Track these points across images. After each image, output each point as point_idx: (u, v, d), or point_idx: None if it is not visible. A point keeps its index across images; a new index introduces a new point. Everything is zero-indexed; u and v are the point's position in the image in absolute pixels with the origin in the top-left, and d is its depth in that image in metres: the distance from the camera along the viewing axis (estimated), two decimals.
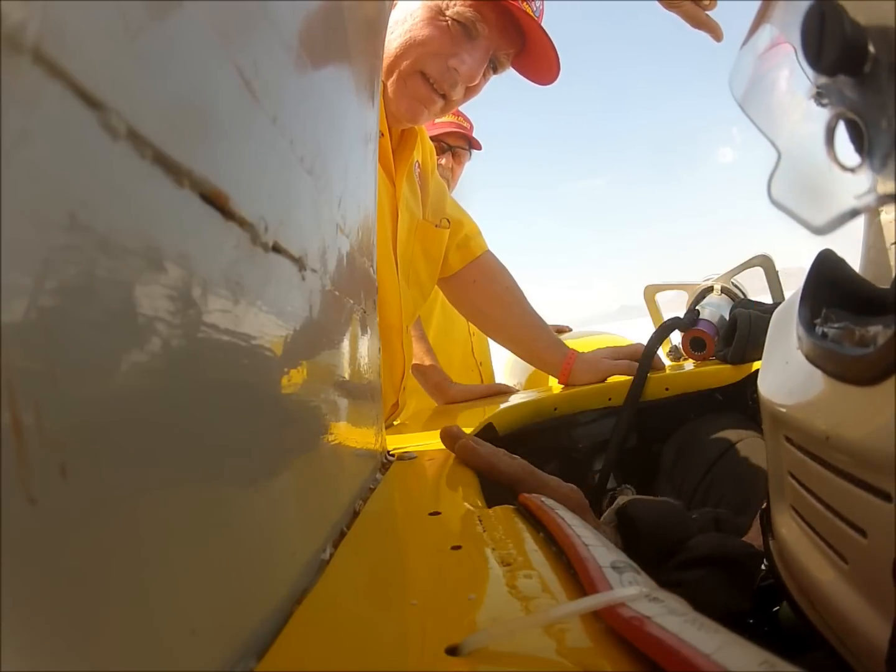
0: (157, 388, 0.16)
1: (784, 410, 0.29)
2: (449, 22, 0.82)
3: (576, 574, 0.25)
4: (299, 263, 0.29)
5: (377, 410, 0.54)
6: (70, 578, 0.13)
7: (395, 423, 0.99)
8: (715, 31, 0.80)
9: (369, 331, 0.52)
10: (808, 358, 0.27)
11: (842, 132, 0.23)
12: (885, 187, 0.21)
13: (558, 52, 0.87)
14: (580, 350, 1.04)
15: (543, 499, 0.37)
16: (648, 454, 0.91)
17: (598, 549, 0.26)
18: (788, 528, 0.30)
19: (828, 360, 0.25)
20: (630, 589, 0.22)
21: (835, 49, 0.21)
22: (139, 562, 0.15)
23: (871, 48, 0.21)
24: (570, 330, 1.90)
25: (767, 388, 0.32)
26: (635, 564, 0.25)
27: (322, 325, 0.35)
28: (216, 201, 0.19)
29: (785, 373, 0.29)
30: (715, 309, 1.03)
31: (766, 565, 0.35)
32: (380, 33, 0.61)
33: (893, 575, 0.21)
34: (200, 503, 0.19)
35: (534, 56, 0.89)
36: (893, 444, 0.20)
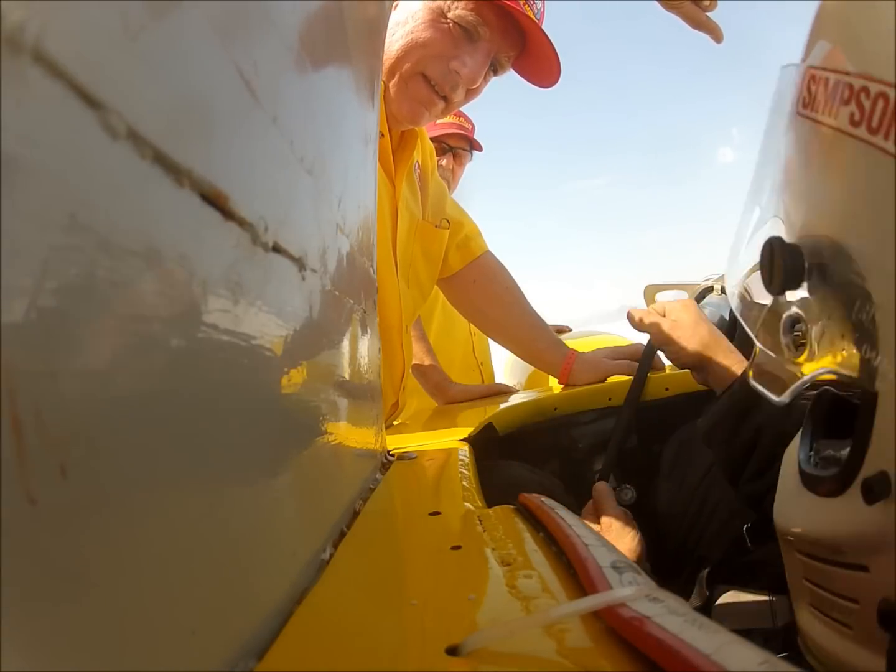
0: (157, 388, 0.16)
1: (795, 532, 0.36)
2: (450, 24, 0.82)
3: (576, 574, 0.25)
4: (299, 263, 0.29)
5: (377, 410, 0.54)
6: (70, 578, 0.13)
7: (394, 423, 0.99)
8: (715, 32, 0.80)
9: (369, 331, 0.52)
10: (805, 485, 0.34)
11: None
12: (823, 373, 0.29)
13: (559, 55, 0.87)
14: (580, 350, 1.04)
15: (543, 499, 0.37)
16: (648, 454, 0.91)
17: (598, 549, 0.26)
18: (809, 622, 0.35)
19: (815, 483, 0.33)
20: (630, 589, 0.22)
21: (779, 278, 0.29)
22: (139, 562, 0.15)
23: (806, 263, 0.28)
24: (570, 330, 1.90)
25: (779, 516, 0.38)
26: (635, 565, 0.25)
27: (322, 325, 0.35)
28: (216, 201, 0.19)
29: (792, 502, 0.36)
30: (715, 309, 1.03)
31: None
32: (380, 33, 0.61)
33: (880, 622, 0.27)
34: (200, 503, 0.19)
35: (535, 58, 0.89)
36: (856, 531, 0.29)
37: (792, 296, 0.30)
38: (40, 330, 0.12)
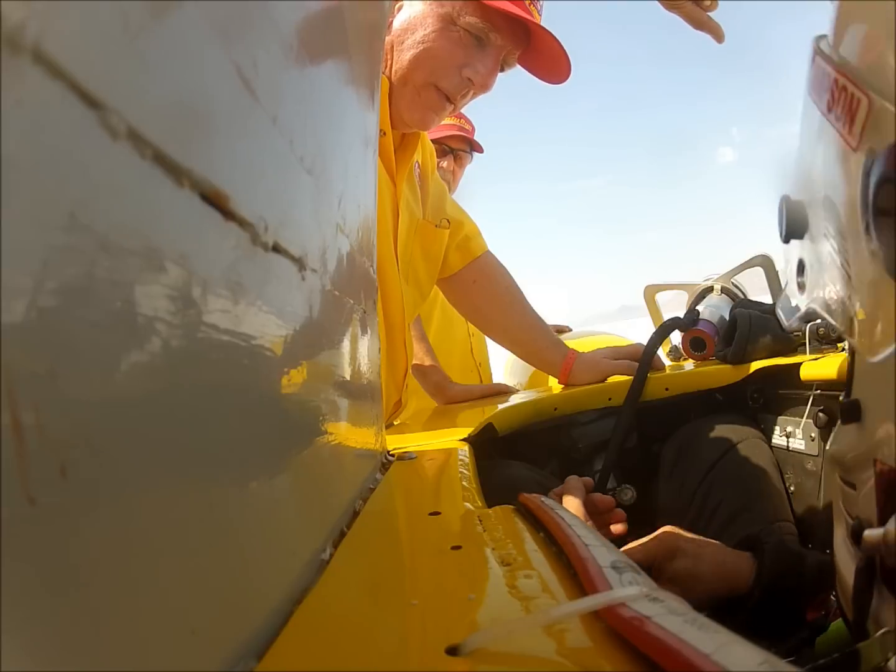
0: (157, 388, 0.16)
1: (831, 454, 0.39)
2: (461, 32, 0.83)
3: (576, 574, 0.25)
4: (299, 263, 0.29)
5: (377, 410, 0.54)
6: (70, 578, 0.13)
7: (395, 422, 0.99)
8: (716, 32, 0.80)
9: (369, 331, 0.52)
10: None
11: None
12: (812, 304, 0.34)
13: (567, 52, 0.88)
14: (580, 350, 1.04)
15: (543, 499, 0.37)
16: (648, 454, 0.91)
17: (598, 549, 0.26)
18: (841, 553, 0.36)
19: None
20: (630, 589, 0.22)
21: (785, 230, 0.35)
22: (139, 562, 0.15)
23: (810, 220, 0.33)
24: (570, 330, 1.90)
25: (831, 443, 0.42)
26: (635, 564, 0.25)
27: (322, 325, 0.35)
28: (216, 201, 0.19)
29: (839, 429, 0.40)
30: (715, 309, 1.03)
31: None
32: (380, 34, 0.61)
33: (851, 539, 0.30)
34: (200, 503, 0.19)
35: (541, 54, 0.89)
36: (845, 449, 0.33)
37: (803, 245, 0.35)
38: (40, 330, 0.12)
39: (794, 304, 0.37)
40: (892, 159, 0.24)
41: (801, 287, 0.36)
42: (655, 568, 0.52)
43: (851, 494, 0.33)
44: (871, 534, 0.26)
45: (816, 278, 0.33)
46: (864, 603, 0.29)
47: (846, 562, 0.33)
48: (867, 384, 0.32)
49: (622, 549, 0.54)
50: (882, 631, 0.27)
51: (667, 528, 0.56)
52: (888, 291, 0.25)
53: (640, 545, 0.54)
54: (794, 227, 0.34)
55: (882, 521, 0.27)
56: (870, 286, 0.27)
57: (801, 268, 0.35)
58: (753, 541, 0.55)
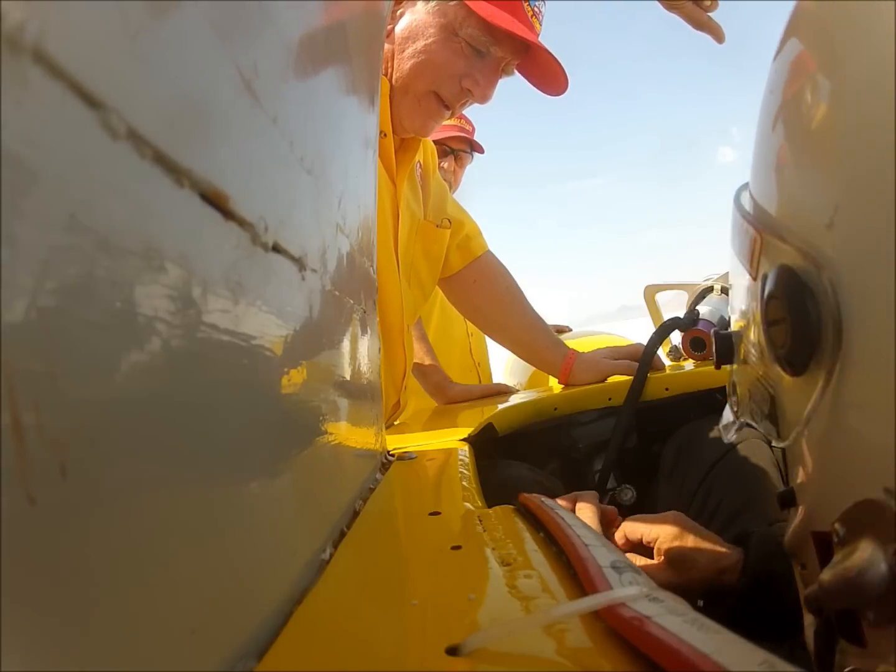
0: (157, 388, 0.16)
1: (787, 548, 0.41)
2: (463, 44, 0.84)
3: (576, 574, 0.25)
4: (299, 263, 0.29)
5: (377, 410, 0.54)
6: (70, 578, 0.13)
7: (395, 422, 0.99)
8: (716, 33, 0.80)
9: (369, 331, 0.52)
10: None
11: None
12: (743, 416, 0.40)
13: (564, 69, 0.88)
14: (580, 350, 1.04)
15: (543, 499, 0.37)
16: (648, 454, 0.90)
17: (598, 549, 0.26)
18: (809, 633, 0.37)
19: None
20: (630, 589, 0.22)
21: (716, 358, 0.42)
22: (139, 561, 0.15)
23: (735, 347, 0.40)
24: (570, 330, 1.90)
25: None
26: (635, 564, 0.25)
27: (322, 325, 0.35)
28: (216, 201, 0.19)
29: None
30: (715, 309, 1.03)
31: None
32: (379, 36, 0.61)
33: (805, 606, 0.31)
34: (200, 503, 0.19)
35: (539, 64, 0.89)
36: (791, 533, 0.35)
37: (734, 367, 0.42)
38: (40, 330, 0.12)
39: (731, 420, 0.43)
40: (775, 281, 0.29)
41: (735, 404, 0.41)
42: (657, 546, 0.53)
43: (805, 574, 0.34)
44: (811, 589, 0.27)
45: (744, 394, 0.38)
46: (828, 665, 0.29)
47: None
48: (795, 470, 0.35)
49: (631, 518, 0.55)
50: (848, 670, 0.27)
51: (675, 511, 0.56)
52: (789, 389, 0.30)
53: (647, 521, 0.55)
54: (723, 356, 0.42)
55: None
56: (777, 388, 0.32)
57: (733, 388, 0.41)
58: (743, 535, 0.56)
